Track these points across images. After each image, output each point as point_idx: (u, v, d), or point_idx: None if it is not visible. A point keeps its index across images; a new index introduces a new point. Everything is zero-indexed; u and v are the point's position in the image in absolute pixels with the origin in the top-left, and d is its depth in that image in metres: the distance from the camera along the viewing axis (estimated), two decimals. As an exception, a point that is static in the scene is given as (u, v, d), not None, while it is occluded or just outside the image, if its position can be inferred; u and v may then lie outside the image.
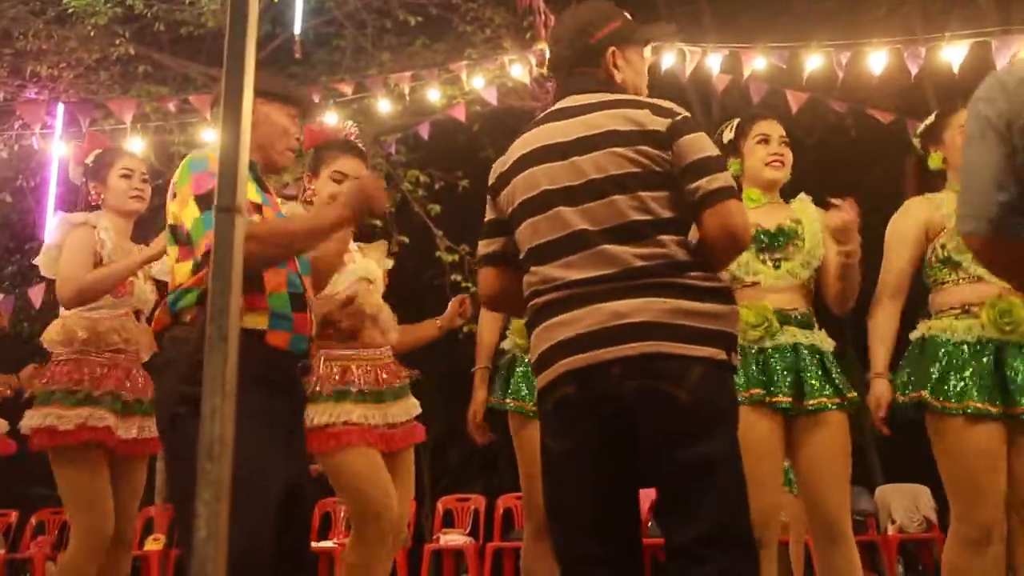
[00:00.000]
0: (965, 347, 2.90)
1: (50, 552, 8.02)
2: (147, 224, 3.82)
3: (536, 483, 3.05)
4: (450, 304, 3.58)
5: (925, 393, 2.88)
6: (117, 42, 9.12)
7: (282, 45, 10.92)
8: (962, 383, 2.84)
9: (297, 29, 8.04)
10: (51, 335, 3.31)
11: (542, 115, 2.31)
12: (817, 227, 3.10)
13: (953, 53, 6.76)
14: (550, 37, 2.41)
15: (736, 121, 3.26)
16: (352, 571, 3.06)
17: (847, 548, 2.95)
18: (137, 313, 3.41)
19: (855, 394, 3.04)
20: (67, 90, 9.01)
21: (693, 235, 2.15)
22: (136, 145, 7.35)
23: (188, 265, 2.36)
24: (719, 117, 11.19)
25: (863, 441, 11.84)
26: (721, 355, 2.06)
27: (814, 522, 3.00)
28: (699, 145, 2.14)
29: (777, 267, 3.04)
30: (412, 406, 3.35)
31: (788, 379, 2.92)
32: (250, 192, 2.38)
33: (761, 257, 3.03)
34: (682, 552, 1.99)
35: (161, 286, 3.57)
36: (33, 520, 8.61)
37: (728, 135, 3.23)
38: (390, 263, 3.46)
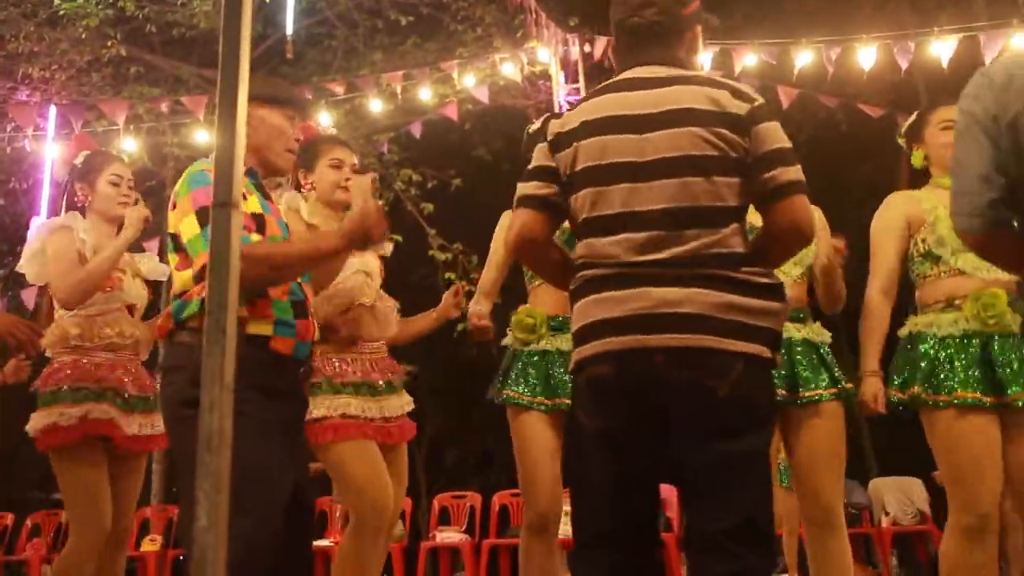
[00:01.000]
0: (951, 341, 2.92)
1: (45, 554, 8.02)
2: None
3: (533, 475, 3.08)
4: (444, 296, 3.59)
5: (917, 388, 2.91)
6: (109, 44, 9.13)
7: (274, 46, 10.94)
8: (952, 376, 2.87)
9: (289, 29, 8.06)
10: (49, 337, 3.33)
11: (612, 81, 2.19)
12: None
13: (942, 48, 6.83)
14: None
15: None
16: (345, 563, 3.06)
17: (840, 535, 2.98)
18: (130, 309, 3.42)
19: (851, 385, 3.06)
20: (59, 92, 9.01)
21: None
22: (129, 146, 7.38)
23: (188, 273, 2.39)
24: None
25: (857, 434, 11.90)
26: (766, 352, 2.03)
27: (808, 510, 3.03)
28: (776, 134, 2.07)
29: None
30: (406, 402, 3.37)
31: (781, 372, 2.95)
32: (252, 203, 2.41)
33: None
34: (708, 544, 1.98)
35: (151, 285, 3.60)
36: (29, 522, 8.60)
37: None
38: (389, 247, 3.46)
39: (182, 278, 2.41)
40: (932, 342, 2.95)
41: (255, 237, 2.35)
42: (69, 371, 3.27)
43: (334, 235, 2.45)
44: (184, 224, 2.37)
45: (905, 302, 3.17)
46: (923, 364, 2.93)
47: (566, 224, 2.34)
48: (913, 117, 3.29)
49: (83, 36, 8.92)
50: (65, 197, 3.43)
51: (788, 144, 2.08)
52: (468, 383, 15.69)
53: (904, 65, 7.10)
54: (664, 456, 2.07)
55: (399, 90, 8.44)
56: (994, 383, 2.86)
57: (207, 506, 1.34)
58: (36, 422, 3.23)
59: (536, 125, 3.35)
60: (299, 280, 2.49)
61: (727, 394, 1.96)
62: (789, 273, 3.06)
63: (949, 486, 2.89)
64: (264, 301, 2.36)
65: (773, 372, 2.14)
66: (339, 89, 8.13)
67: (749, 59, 7.74)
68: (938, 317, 2.97)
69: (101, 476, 3.21)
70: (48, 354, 3.36)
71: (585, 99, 2.22)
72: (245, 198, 2.39)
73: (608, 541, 2.07)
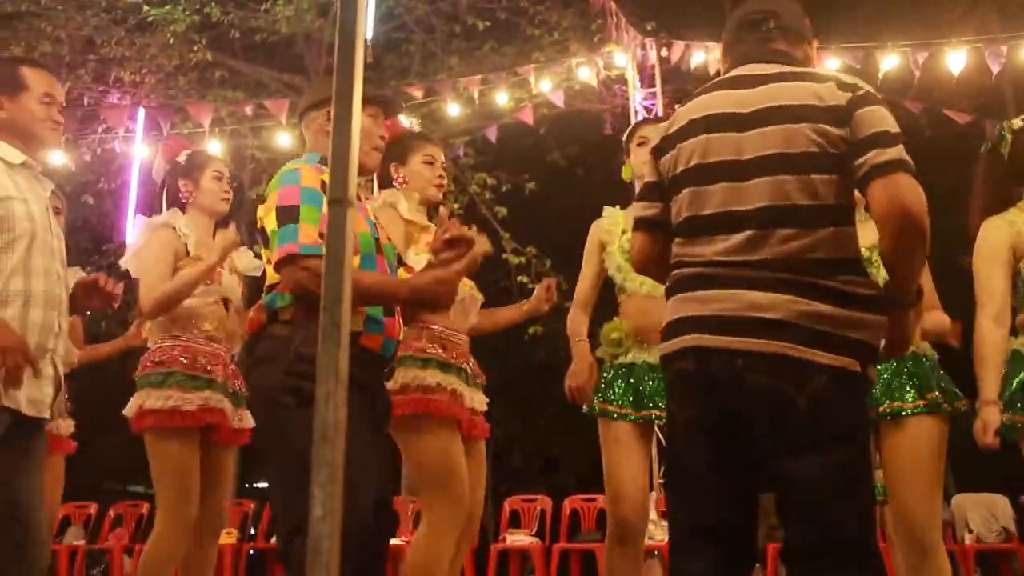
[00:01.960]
0: None
1: (127, 543, 8.24)
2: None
3: (618, 484, 3.07)
4: (537, 288, 3.60)
5: (1008, 413, 2.81)
6: (195, 49, 9.37)
7: (352, 50, 11.09)
8: None
9: (369, 35, 8.16)
10: (150, 327, 3.44)
11: (716, 81, 2.20)
12: None
13: (1036, 52, 6.61)
14: (755, 4, 2.25)
15: None
16: (420, 552, 3.01)
17: (936, 561, 2.86)
18: (226, 302, 3.51)
19: (935, 394, 2.92)
20: (147, 96, 9.29)
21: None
22: (214, 148, 7.58)
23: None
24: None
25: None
26: (854, 366, 1.94)
27: (899, 533, 2.92)
28: (877, 117, 1.98)
29: None
30: (485, 400, 3.37)
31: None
32: None
33: None
34: (802, 556, 1.95)
35: (247, 280, 3.69)
36: (111, 512, 8.85)
37: None
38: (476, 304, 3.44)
39: (272, 272, 2.45)
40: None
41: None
42: (180, 357, 3.35)
43: (405, 286, 2.45)
44: (267, 219, 2.42)
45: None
46: (1015, 383, 2.82)
47: None
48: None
49: (171, 41, 9.18)
50: (166, 194, 3.54)
51: (892, 128, 1.98)
52: (536, 385, 15.71)
53: (996, 70, 6.91)
54: (758, 461, 2.03)
55: (476, 94, 8.50)
56: None
57: (322, 496, 1.37)
58: (149, 402, 3.29)
59: (627, 133, 3.34)
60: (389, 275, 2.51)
61: (805, 406, 1.91)
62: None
63: None
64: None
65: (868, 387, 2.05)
66: (417, 93, 8.22)
67: (831, 63, 7.62)
68: None
69: (196, 463, 3.29)
70: (149, 344, 3.46)
71: (692, 97, 2.22)
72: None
73: (706, 533, 2.04)
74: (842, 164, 1.98)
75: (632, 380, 3.15)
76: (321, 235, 2.32)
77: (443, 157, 3.34)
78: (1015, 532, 7.14)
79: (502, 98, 8.95)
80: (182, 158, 3.54)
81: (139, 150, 8.14)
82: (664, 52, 9.02)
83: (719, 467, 2.04)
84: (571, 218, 13.81)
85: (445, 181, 3.33)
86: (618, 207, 3.39)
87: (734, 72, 2.16)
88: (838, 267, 1.98)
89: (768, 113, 2.02)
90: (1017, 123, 3.10)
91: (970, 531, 7.22)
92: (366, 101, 2.60)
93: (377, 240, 2.57)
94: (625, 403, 3.12)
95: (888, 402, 2.91)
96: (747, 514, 2.08)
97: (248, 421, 3.41)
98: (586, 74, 9.12)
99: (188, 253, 3.37)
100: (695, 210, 2.08)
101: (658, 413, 3.10)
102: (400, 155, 3.25)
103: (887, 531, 3.13)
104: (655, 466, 6.55)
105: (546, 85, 9.05)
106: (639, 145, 3.23)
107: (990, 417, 2.80)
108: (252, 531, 9.12)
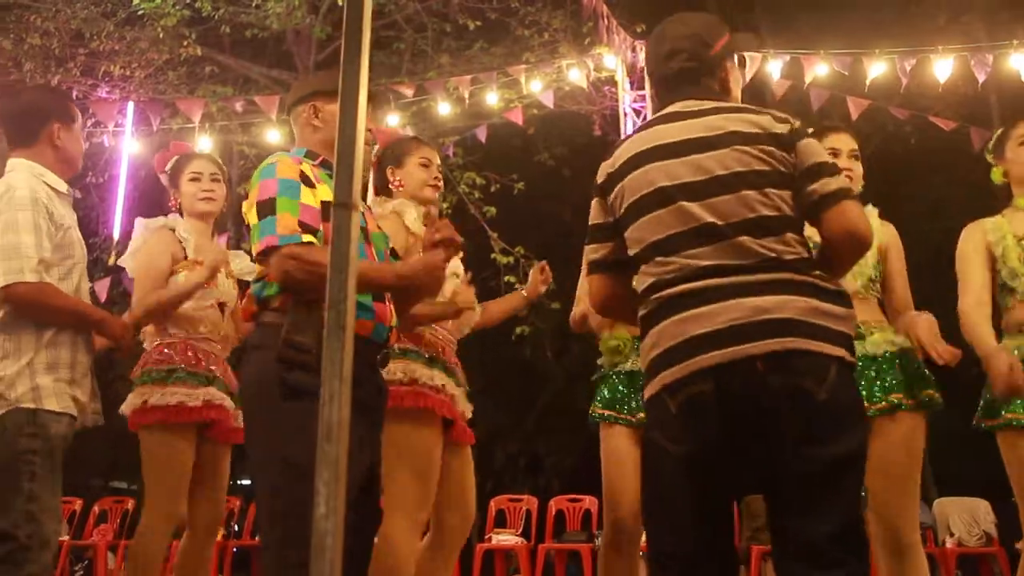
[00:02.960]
0: None
1: (112, 539, 8.23)
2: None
3: (617, 488, 3.09)
4: (531, 273, 3.62)
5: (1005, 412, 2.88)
6: (185, 43, 9.33)
7: (340, 48, 11.09)
8: None
9: (361, 32, 8.17)
10: (147, 328, 3.46)
11: (652, 118, 2.30)
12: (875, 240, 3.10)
13: (1021, 61, 6.68)
14: (659, 48, 2.33)
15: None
16: (389, 548, 2.93)
17: (915, 560, 2.88)
18: (222, 306, 3.53)
19: (929, 393, 2.93)
20: (137, 90, 9.25)
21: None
22: (205, 144, 7.56)
23: None
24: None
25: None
26: (848, 356, 2.06)
27: (880, 536, 2.92)
28: (815, 149, 2.15)
29: None
30: (469, 408, 3.38)
31: None
32: (323, 191, 2.44)
33: None
34: (809, 550, 1.97)
35: (243, 284, 3.70)
36: (96, 508, 8.83)
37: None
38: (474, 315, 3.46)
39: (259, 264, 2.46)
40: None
41: (307, 238, 2.35)
42: (182, 354, 3.38)
43: (391, 271, 2.48)
44: (250, 214, 2.43)
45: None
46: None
47: None
48: (997, 132, 3.24)
49: (161, 36, 9.14)
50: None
51: (828, 159, 2.16)
52: (520, 385, 15.74)
53: (982, 78, 6.98)
54: (748, 472, 2.06)
55: (467, 94, 8.52)
56: None
57: (326, 494, 1.39)
58: (152, 398, 3.30)
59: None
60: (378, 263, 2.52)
61: (826, 397, 1.97)
62: (848, 285, 3.01)
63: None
64: None
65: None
66: (408, 92, 8.22)
67: (820, 68, 7.68)
68: (1013, 341, 2.94)
69: (190, 461, 3.31)
70: (146, 345, 3.47)
71: (627, 138, 2.30)
72: (314, 185, 2.43)
73: (685, 562, 2.08)
74: (791, 184, 2.11)
75: (631, 386, 3.18)
76: (300, 224, 2.34)
77: (439, 160, 3.36)
78: (996, 536, 7.22)
79: (492, 98, 8.97)
80: (168, 167, 3.57)
81: (128, 145, 8.12)
82: (654, 55, 9.05)
83: (705, 500, 2.07)
84: (559, 219, 13.92)
85: (441, 183, 3.35)
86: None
87: (669, 109, 2.26)
88: (810, 265, 2.09)
89: (718, 139, 2.13)
90: (989, 146, 3.22)
91: (952, 535, 7.29)
92: None
93: (365, 229, 2.55)
94: (624, 409, 3.15)
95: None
96: (730, 540, 2.15)
97: (239, 420, 3.42)
98: (576, 76, 9.16)
99: (186, 256, 3.39)
100: (662, 232, 2.12)
101: None
102: (396, 158, 3.27)
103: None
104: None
105: (536, 86, 9.08)
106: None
107: (1003, 360, 2.80)
108: (237, 528, 9.11)
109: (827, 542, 1.95)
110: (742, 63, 2.39)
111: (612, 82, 9.68)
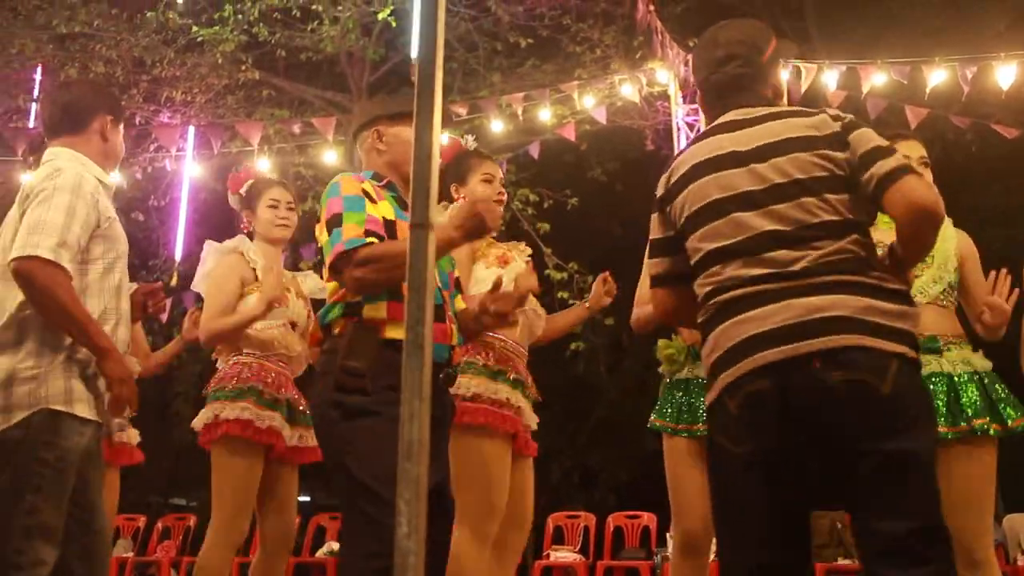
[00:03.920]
0: None
1: (175, 556, 8.36)
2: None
3: (683, 499, 3.08)
4: (595, 284, 3.59)
5: None
6: (243, 68, 9.53)
7: (393, 68, 11.24)
8: None
9: (414, 53, 8.28)
10: (221, 348, 3.54)
11: (709, 128, 2.32)
12: (950, 246, 3.05)
13: (1088, 66, 6.53)
14: (710, 54, 2.37)
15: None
16: (458, 560, 2.96)
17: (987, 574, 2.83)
18: (293, 326, 3.59)
19: (982, 420, 2.87)
20: (197, 114, 9.46)
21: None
22: (263, 165, 7.71)
23: (335, 283, 2.49)
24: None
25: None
26: (912, 353, 2.05)
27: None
28: (867, 137, 2.14)
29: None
30: (535, 419, 3.39)
31: None
32: (383, 208, 2.48)
33: None
34: (892, 549, 1.94)
35: (316, 304, 3.76)
36: (159, 524, 8.98)
37: None
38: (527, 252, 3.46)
39: (330, 288, 2.51)
40: None
41: (372, 240, 2.37)
42: (256, 372, 3.45)
43: (448, 227, 2.42)
44: (322, 236, 2.48)
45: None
46: None
47: None
48: None
49: (219, 61, 9.35)
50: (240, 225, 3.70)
51: (883, 143, 2.14)
52: (574, 399, 15.68)
53: (1046, 84, 6.84)
54: (818, 480, 2.04)
55: (520, 111, 8.56)
56: None
57: (408, 513, 1.40)
58: (223, 412, 3.36)
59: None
60: (439, 285, 2.53)
61: (887, 392, 1.96)
62: (926, 292, 2.97)
63: None
64: (402, 304, 2.39)
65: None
66: (461, 110, 8.28)
67: (878, 78, 7.57)
68: None
69: (257, 481, 3.36)
70: (220, 364, 3.55)
71: (685, 149, 2.32)
72: (376, 202, 2.47)
73: (765, 572, 2.05)
74: (849, 184, 2.12)
75: (690, 397, 3.16)
76: (367, 232, 2.37)
77: (501, 174, 3.38)
78: (1069, 553, 7.02)
79: (545, 115, 9.00)
80: (244, 189, 3.66)
81: (189, 168, 8.30)
82: (706, 68, 9.01)
83: (778, 502, 2.05)
84: (612, 234, 13.88)
85: (504, 197, 3.37)
86: None
87: (725, 118, 2.28)
88: (871, 267, 2.09)
89: (775, 146, 2.15)
90: None
91: (1023, 552, 7.11)
92: (407, 116, 2.65)
93: None
94: (681, 419, 3.13)
95: (945, 426, 2.88)
96: (805, 547, 2.11)
97: (309, 440, 3.47)
98: (628, 91, 9.16)
99: (256, 279, 3.46)
100: (722, 240, 2.15)
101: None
102: (460, 175, 3.30)
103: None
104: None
105: (589, 101, 9.10)
106: None
107: None
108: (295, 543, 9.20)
109: (908, 539, 1.92)
110: (796, 73, 2.40)
111: (664, 96, 9.66)
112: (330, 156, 8.71)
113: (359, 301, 2.41)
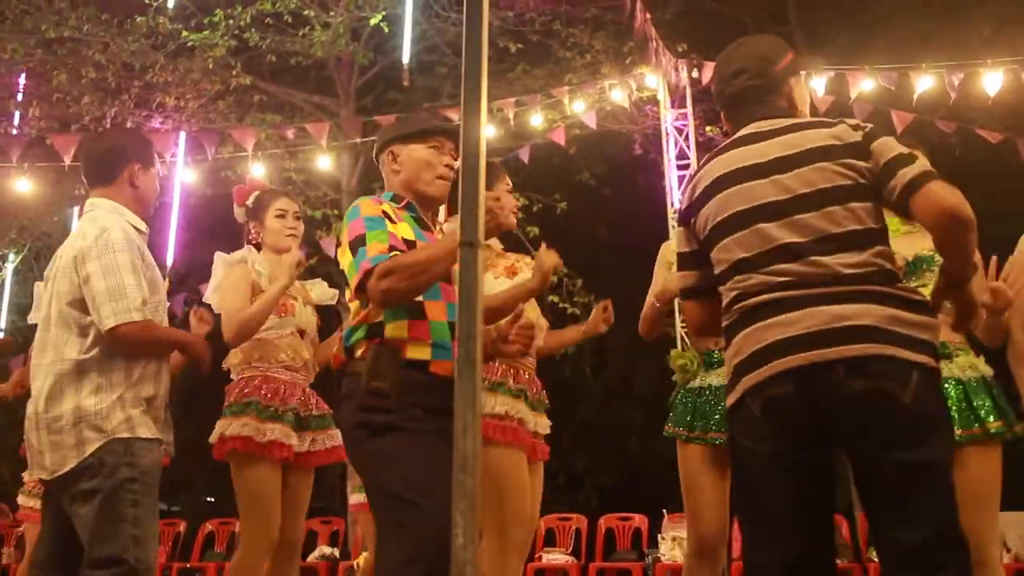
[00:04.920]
0: None
1: (165, 561, 8.34)
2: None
3: (697, 503, 3.14)
4: (594, 310, 3.66)
5: None
6: (234, 73, 9.51)
7: (381, 72, 11.25)
8: None
9: (406, 58, 8.32)
10: (232, 359, 3.59)
11: (729, 141, 2.37)
12: None
13: (1073, 73, 6.66)
14: (725, 69, 2.44)
15: None
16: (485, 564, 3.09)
17: (992, 574, 2.90)
18: (301, 333, 3.63)
19: (998, 424, 2.95)
20: (188, 119, 9.44)
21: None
22: (257, 171, 7.71)
23: (357, 304, 2.54)
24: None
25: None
26: (933, 363, 2.08)
27: None
28: (889, 146, 2.17)
29: None
30: (547, 424, 3.45)
31: None
32: (403, 229, 2.53)
33: None
34: (910, 556, 1.99)
35: (321, 311, 3.81)
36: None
37: None
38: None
39: (353, 308, 2.55)
40: None
41: (394, 254, 2.42)
42: (258, 386, 3.49)
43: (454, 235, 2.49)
44: (344, 258, 2.52)
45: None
46: None
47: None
48: None
49: (210, 66, 9.33)
50: (246, 236, 3.74)
51: (904, 151, 2.17)
52: (560, 402, 15.73)
53: (1033, 91, 6.97)
54: (834, 478, 2.10)
55: (511, 116, 8.61)
56: None
57: (463, 524, 1.45)
58: (229, 430, 3.43)
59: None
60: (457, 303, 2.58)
61: (908, 402, 2.00)
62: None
63: None
64: (423, 323, 2.46)
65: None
66: (454, 116, 8.31)
67: (866, 84, 7.68)
68: None
69: (275, 488, 3.40)
70: (232, 375, 3.58)
71: (708, 160, 2.37)
72: (395, 223, 2.52)
73: (791, 570, 2.08)
74: (873, 192, 2.15)
75: (703, 404, 3.22)
76: (391, 248, 2.42)
77: (510, 184, 3.44)
78: (1054, 551, 7.13)
79: (536, 119, 9.06)
80: (251, 201, 3.71)
81: (181, 173, 8.29)
82: (695, 73, 9.13)
83: (801, 499, 2.09)
84: (599, 237, 13.94)
85: (517, 207, 3.42)
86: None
87: (745, 131, 2.32)
88: (894, 278, 2.13)
89: (798, 157, 2.19)
90: None
91: (1008, 550, 7.20)
92: (428, 133, 2.71)
93: None
94: (695, 426, 3.19)
95: (959, 429, 2.96)
96: (830, 543, 2.15)
97: (321, 443, 3.54)
98: (619, 96, 9.23)
99: (262, 289, 3.51)
100: (746, 251, 2.19)
101: (721, 435, 3.16)
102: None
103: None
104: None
105: (579, 106, 9.17)
106: None
107: None
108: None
109: (925, 547, 1.97)
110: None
111: (654, 101, 9.74)
112: (324, 162, 8.73)
113: (381, 322, 2.46)
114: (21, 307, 10.39)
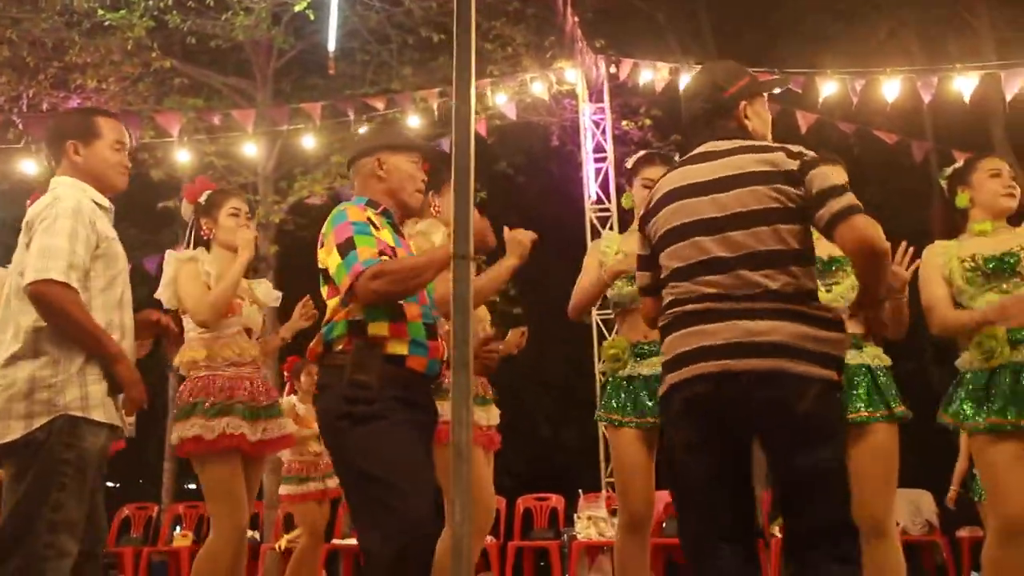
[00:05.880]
0: (982, 374, 3.21)
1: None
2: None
3: (628, 483, 3.44)
4: (510, 333, 3.85)
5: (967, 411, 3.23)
6: (154, 54, 9.36)
7: (299, 56, 11.19)
8: (988, 403, 3.17)
9: (331, 46, 8.35)
10: (181, 359, 3.71)
11: (682, 159, 2.65)
12: None
13: (963, 83, 7.19)
14: (684, 93, 2.72)
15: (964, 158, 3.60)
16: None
17: (890, 543, 3.27)
18: (248, 332, 3.79)
19: (902, 408, 3.31)
20: (108, 102, 9.25)
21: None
22: (182, 157, 7.67)
23: (336, 300, 2.70)
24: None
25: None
26: (834, 376, 2.38)
27: (861, 521, 3.31)
28: (825, 177, 2.41)
29: (829, 291, 3.37)
30: (496, 414, 3.72)
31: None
32: (385, 236, 2.71)
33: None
34: (808, 540, 2.34)
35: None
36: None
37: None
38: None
39: (331, 305, 2.72)
40: (970, 375, 3.26)
41: (384, 259, 2.60)
42: (204, 387, 3.63)
43: (443, 248, 2.62)
44: (330, 259, 2.67)
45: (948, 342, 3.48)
46: (961, 393, 3.26)
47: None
48: (960, 163, 3.60)
49: (129, 47, 9.16)
50: (192, 234, 3.85)
51: (838, 181, 2.44)
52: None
53: (927, 99, 7.48)
54: (749, 459, 2.45)
55: (435, 106, 8.75)
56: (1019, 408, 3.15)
57: (460, 503, 1.66)
58: (182, 432, 3.57)
59: (631, 164, 3.71)
60: (430, 305, 2.79)
61: (804, 412, 2.32)
62: (847, 297, 3.34)
63: (989, 497, 3.24)
64: (402, 324, 2.66)
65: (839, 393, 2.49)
66: (379, 104, 8.41)
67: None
68: (970, 354, 3.29)
69: (237, 475, 3.56)
70: (183, 373, 3.71)
71: (666, 173, 2.67)
72: (377, 228, 2.71)
73: (720, 532, 2.41)
74: (800, 216, 2.43)
75: (631, 391, 3.50)
76: (379, 251, 2.61)
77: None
78: (938, 525, 7.67)
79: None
80: (203, 199, 3.83)
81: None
82: (613, 69, 9.45)
83: (722, 478, 2.43)
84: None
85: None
86: (615, 231, 3.75)
87: (698, 150, 2.61)
88: (809, 297, 2.43)
89: (735, 179, 2.47)
90: (948, 172, 3.58)
91: (897, 524, 7.69)
92: (409, 149, 2.89)
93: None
94: (627, 412, 3.48)
95: (851, 412, 3.29)
96: (750, 516, 2.49)
97: (272, 432, 3.70)
98: (539, 89, 9.47)
99: (210, 288, 3.64)
100: (683, 260, 2.50)
101: (655, 420, 3.44)
102: (436, 185, 3.53)
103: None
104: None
105: (501, 98, 9.36)
106: (643, 186, 3.56)
107: (991, 307, 3.17)
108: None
109: (819, 535, 2.31)
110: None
111: (572, 95, 10.02)
112: (249, 148, 8.70)
113: (362, 319, 2.62)
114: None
